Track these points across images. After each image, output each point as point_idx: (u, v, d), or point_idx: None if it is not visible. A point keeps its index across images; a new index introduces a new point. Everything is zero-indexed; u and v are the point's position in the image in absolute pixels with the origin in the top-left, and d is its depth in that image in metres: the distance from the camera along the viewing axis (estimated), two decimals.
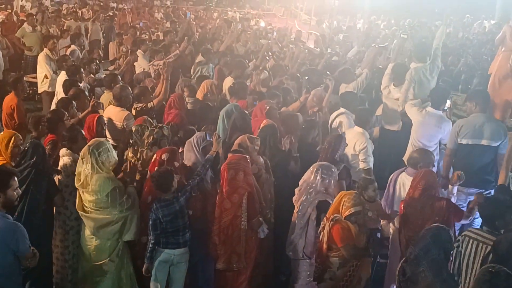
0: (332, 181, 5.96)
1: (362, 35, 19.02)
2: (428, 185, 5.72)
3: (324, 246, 5.48)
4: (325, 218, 5.54)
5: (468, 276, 4.88)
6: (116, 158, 5.84)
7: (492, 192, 6.36)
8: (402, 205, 5.93)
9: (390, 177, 6.66)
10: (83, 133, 6.59)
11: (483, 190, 6.44)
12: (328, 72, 10.33)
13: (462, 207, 6.39)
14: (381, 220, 6.46)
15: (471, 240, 4.91)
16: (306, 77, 9.85)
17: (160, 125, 6.85)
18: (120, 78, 9.44)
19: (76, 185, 5.70)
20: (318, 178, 5.89)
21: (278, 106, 8.21)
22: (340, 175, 6.38)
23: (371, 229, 5.84)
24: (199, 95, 8.97)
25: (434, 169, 6.59)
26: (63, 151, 6.19)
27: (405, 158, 7.60)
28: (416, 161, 6.37)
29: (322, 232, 5.53)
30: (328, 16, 24.41)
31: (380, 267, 6.63)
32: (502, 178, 5.82)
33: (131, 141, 6.64)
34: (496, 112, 9.52)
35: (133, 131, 6.70)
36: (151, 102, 8.18)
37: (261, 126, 7.17)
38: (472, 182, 6.52)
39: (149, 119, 7.31)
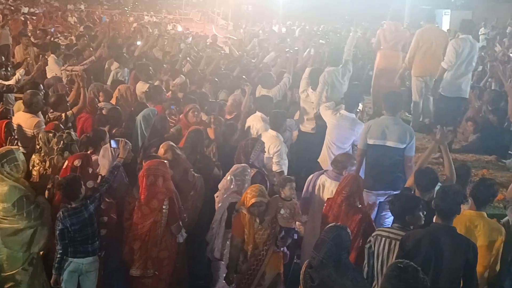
0: (246, 184, 5.99)
1: (278, 40, 19.25)
2: (351, 192, 5.79)
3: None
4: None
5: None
6: (25, 166, 5.64)
7: None
8: (325, 205, 6.02)
9: (309, 179, 6.71)
10: None
11: (392, 191, 6.63)
12: (244, 77, 10.42)
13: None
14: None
15: (383, 239, 4.98)
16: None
17: (67, 130, 6.70)
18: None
19: None
20: (231, 183, 5.95)
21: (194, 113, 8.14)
22: (254, 179, 6.39)
23: (286, 228, 5.92)
24: (113, 100, 8.84)
25: None
26: None
27: (320, 160, 7.77)
28: (344, 165, 6.46)
29: None
30: (245, 21, 24.55)
31: (297, 268, 6.70)
32: (410, 181, 6.02)
33: (37, 147, 6.43)
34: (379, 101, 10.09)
35: (39, 137, 6.48)
36: (70, 111, 7.90)
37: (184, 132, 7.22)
38: (380, 183, 6.68)
39: (61, 125, 7.10)
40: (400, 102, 7.23)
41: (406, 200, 5.09)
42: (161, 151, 6.32)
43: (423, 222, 5.02)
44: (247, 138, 7.23)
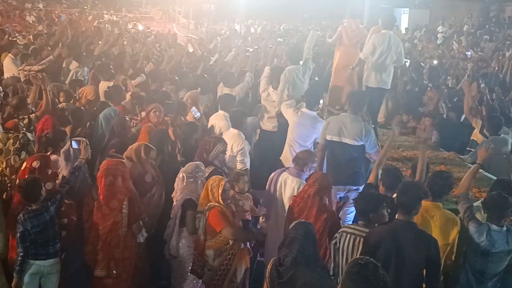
0: (199, 181, 5.99)
1: (239, 39, 19.29)
2: (322, 187, 5.85)
3: (201, 238, 5.59)
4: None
5: None
6: None
7: (361, 188, 6.61)
8: (291, 203, 6.07)
9: (271, 176, 6.75)
10: None
11: (352, 187, 6.74)
12: (206, 75, 10.41)
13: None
14: (260, 218, 6.66)
15: (348, 235, 5.04)
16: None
17: (23, 131, 6.61)
18: None
19: None
20: (184, 181, 5.94)
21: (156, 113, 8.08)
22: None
23: (243, 221, 5.95)
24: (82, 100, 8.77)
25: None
26: None
27: (282, 158, 7.82)
28: (305, 162, 6.52)
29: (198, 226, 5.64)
30: (206, 19, 24.48)
31: (260, 266, 6.73)
32: (372, 177, 6.12)
33: None
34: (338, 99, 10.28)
35: None
36: (34, 114, 7.73)
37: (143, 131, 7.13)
38: (339, 178, 6.75)
39: (21, 124, 6.98)
40: (363, 102, 7.34)
41: (370, 199, 5.18)
42: (130, 151, 6.28)
43: (387, 219, 5.08)
44: (210, 136, 7.24)
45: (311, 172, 6.43)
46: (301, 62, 8.91)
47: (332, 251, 5.12)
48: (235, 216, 5.74)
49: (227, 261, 5.59)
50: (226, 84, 9.48)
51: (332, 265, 5.10)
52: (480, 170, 7.63)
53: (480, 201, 5.72)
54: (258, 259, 6.76)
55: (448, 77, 13.18)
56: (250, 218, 6.23)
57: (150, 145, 6.39)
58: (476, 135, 8.51)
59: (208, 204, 5.60)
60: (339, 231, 5.18)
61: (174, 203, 6.00)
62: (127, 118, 7.80)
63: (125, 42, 15.24)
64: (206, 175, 6.23)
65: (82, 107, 8.19)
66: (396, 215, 4.94)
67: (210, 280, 5.63)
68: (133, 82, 9.97)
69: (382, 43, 8.62)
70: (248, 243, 5.92)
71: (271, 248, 6.29)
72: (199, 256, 5.65)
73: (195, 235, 5.76)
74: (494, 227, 4.99)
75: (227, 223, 5.52)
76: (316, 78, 11.32)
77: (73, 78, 10.82)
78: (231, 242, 5.60)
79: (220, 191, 5.58)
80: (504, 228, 5.02)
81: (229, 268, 5.59)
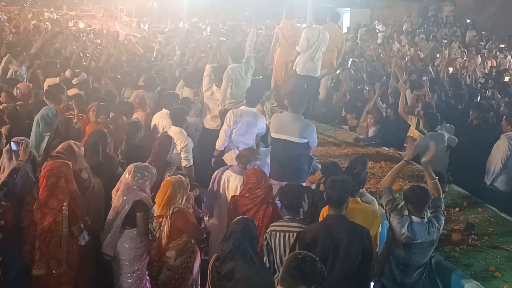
0: (147, 182, 5.92)
1: (184, 37, 19.18)
2: (258, 182, 5.91)
3: (163, 241, 5.57)
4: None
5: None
6: None
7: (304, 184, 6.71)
8: (231, 201, 6.09)
9: (214, 175, 6.76)
10: None
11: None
12: (154, 75, 10.36)
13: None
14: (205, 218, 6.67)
15: (278, 233, 5.09)
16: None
17: None
18: None
19: None
20: (133, 178, 5.83)
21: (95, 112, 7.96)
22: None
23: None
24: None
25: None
26: None
27: (225, 157, 7.82)
28: (248, 160, 6.56)
29: (158, 229, 5.61)
30: (149, 18, 24.23)
31: (205, 264, 6.72)
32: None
33: None
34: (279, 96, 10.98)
35: None
36: None
37: (88, 131, 7.06)
38: (283, 174, 6.88)
39: None
40: (304, 101, 7.47)
41: (295, 192, 5.24)
42: (60, 147, 6.16)
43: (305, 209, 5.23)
44: (162, 136, 7.18)
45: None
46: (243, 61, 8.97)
47: (265, 252, 5.15)
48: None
49: (188, 259, 5.65)
50: (187, 84, 9.51)
51: (268, 265, 5.12)
52: (418, 166, 7.94)
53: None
54: (202, 257, 6.75)
55: (384, 76, 13.45)
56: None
57: (77, 143, 6.31)
58: (413, 132, 8.79)
59: (172, 208, 5.55)
60: (268, 231, 5.22)
61: (116, 202, 5.91)
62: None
63: (65, 40, 14.88)
64: (171, 174, 6.30)
65: (17, 107, 7.98)
66: (328, 211, 5.04)
67: (169, 279, 5.63)
68: (73, 81, 9.79)
69: (313, 36, 9.62)
70: None
71: (215, 245, 6.30)
72: (158, 260, 5.65)
73: (145, 237, 5.74)
74: (415, 218, 5.12)
75: (193, 225, 5.60)
76: (261, 77, 11.40)
77: (12, 77, 10.54)
78: (192, 241, 5.65)
79: (184, 194, 5.60)
80: (425, 220, 5.16)
81: (189, 266, 5.66)
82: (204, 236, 6.06)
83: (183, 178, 5.78)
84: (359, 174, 5.89)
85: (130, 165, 5.99)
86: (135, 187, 5.80)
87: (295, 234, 5.03)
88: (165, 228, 5.56)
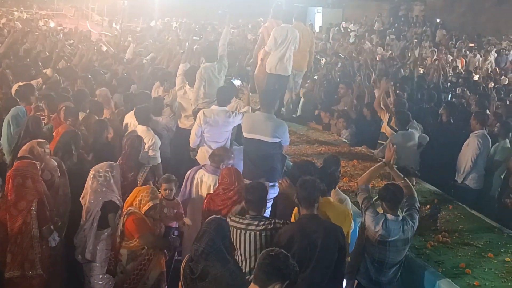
0: (112, 180, 5.91)
1: (155, 35, 19.10)
2: (231, 183, 5.93)
3: (117, 240, 5.55)
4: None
5: (248, 262, 5.10)
6: None
7: (277, 184, 6.69)
8: (205, 199, 6.08)
9: (187, 174, 6.76)
10: None
11: (268, 183, 6.77)
12: (125, 74, 10.27)
13: None
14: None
15: (239, 230, 5.10)
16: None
17: None
18: None
19: None
20: (96, 182, 5.84)
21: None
22: (148, 177, 6.48)
23: (168, 227, 5.92)
24: None
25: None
26: None
27: (198, 158, 7.80)
28: (221, 159, 6.57)
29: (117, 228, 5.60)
30: (121, 17, 23.99)
31: (178, 265, 6.69)
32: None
33: None
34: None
35: None
36: None
37: (60, 131, 6.96)
38: (256, 173, 6.83)
39: None
40: (276, 100, 7.50)
41: (260, 190, 5.25)
42: (24, 148, 6.08)
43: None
44: (132, 135, 7.13)
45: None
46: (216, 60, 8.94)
47: None
48: (157, 223, 5.69)
49: (141, 266, 5.59)
50: (162, 84, 9.46)
51: None
52: None
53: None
54: (176, 258, 6.72)
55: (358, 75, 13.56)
56: (174, 226, 6.20)
57: (43, 141, 6.20)
58: (385, 128, 8.89)
59: (128, 209, 5.55)
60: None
61: (86, 204, 5.86)
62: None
63: (36, 40, 14.66)
64: (144, 174, 6.37)
65: None
66: (300, 211, 5.05)
67: (122, 282, 5.61)
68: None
69: (281, 35, 9.45)
70: None
71: (188, 245, 6.26)
72: (115, 257, 5.61)
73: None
74: (390, 216, 5.17)
75: (144, 231, 5.50)
76: (238, 79, 11.26)
77: None
78: (146, 248, 5.59)
79: (145, 208, 5.53)
80: (400, 218, 5.21)
81: (143, 273, 5.58)
82: (168, 247, 5.93)
83: (153, 195, 5.66)
84: (333, 173, 5.93)
85: (92, 169, 5.99)
86: (102, 189, 5.82)
87: (257, 233, 5.04)
88: (120, 225, 5.59)
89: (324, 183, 5.26)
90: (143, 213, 5.51)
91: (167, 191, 6.17)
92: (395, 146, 5.81)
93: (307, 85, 12.25)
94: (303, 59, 10.77)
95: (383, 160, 5.85)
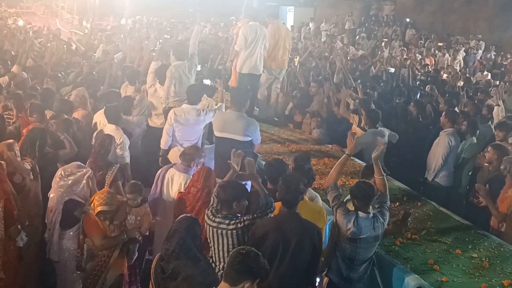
0: (81, 180, 5.89)
1: (126, 34, 18.93)
2: (206, 184, 5.91)
3: (80, 236, 5.64)
4: None
5: (222, 260, 5.11)
6: None
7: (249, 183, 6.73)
8: (177, 198, 6.06)
9: (158, 173, 6.72)
10: None
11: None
12: (94, 72, 10.18)
13: None
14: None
15: (211, 228, 5.10)
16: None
17: None
18: None
19: None
20: (60, 181, 5.82)
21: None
22: (116, 177, 6.46)
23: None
24: None
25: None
26: None
27: (170, 157, 7.76)
28: (192, 158, 6.54)
29: None
30: (91, 15, 23.78)
31: (149, 265, 6.64)
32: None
33: None
34: None
35: None
36: None
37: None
38: (227, 172, 6.81)
39: None
40: (247, 99, 7.52)
41: (234, 189, 5.22)
42: None
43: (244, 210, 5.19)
44: (102, 135, 7.06)
45: (198, 167, 6.46)
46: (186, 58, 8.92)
47: None
48: (115, 227, 5.70)
49: (99, 267, 5.65)
50: (132, 83, 9.37)
51: None
52: (360, 162, 8.09)
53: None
54: (146, 257, 6.68)
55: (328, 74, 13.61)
56: (142, 235, 6.04)
57: (11, 141, 6.13)
58: (355, 129, 8.93)
59: (86, 207, 5.61)
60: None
61: (49, 203, 5.84)
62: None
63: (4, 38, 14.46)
64: (112, 173, 6.40)
65: None
66: (281, 208, 5.07)
67: (84, 281, 5.69)
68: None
69: (250, 33, 9.45)
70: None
71: (159, 244, 6.21)
72: (80, 251, 5.69)
73: None
74: (361, 214, 5.20)
75: (93, 233, 5.57)
76: (209, 81, 11.19)
77: None
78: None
79: (96, 210, 5.56)
80: (371, 215, 5.24)
81: (101, 274, 5.64)
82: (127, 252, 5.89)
83: (113, 195, 5.69)
84: (309, 170, 5.93)
85: (60, 168, 6.00)
86: (64, 188, 5.81)
87: (228, 232, 5.04)
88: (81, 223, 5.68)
89: (303, 182, 5.26)
90: (95, 213, 5.56)
91: (131, 200, 6.03)
92: (356, 136, 5.86)
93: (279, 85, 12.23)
94: (286, 57, 10.78)
95: (346, 153, 5.82)
